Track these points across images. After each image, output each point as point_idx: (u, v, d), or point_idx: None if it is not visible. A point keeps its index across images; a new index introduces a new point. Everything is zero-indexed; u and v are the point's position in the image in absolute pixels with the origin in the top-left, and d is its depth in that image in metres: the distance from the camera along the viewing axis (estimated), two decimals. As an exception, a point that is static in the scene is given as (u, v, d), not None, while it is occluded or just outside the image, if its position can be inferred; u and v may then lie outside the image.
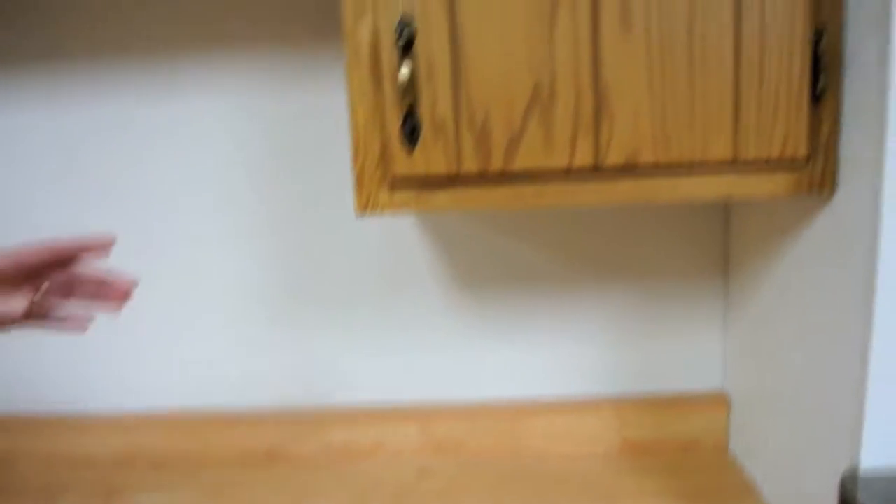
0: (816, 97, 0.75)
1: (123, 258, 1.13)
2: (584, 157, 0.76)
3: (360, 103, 0.78)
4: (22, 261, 0.70)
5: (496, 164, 0.76)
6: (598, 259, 1.14)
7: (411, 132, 0.76)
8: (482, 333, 1.18)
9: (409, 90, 0.74)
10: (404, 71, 0.74)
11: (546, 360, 1.18)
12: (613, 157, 0.76)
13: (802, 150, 0.75)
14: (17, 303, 0.70)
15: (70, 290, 0.76)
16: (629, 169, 0.76)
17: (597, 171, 0.77)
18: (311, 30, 1.10)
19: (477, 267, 1.16)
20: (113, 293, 0.76)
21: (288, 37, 1.11)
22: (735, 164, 0.76)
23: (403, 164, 0.77)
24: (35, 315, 0.73)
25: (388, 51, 0.75)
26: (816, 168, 0.77)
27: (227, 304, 1.19)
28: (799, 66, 0.74)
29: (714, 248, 1.13)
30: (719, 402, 1.15)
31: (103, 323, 1.18)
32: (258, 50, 1.12)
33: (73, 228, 1.17)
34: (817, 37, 0.74)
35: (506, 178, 0.78)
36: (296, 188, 1.15)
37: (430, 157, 0.77)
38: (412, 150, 0.77)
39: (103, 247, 0.72)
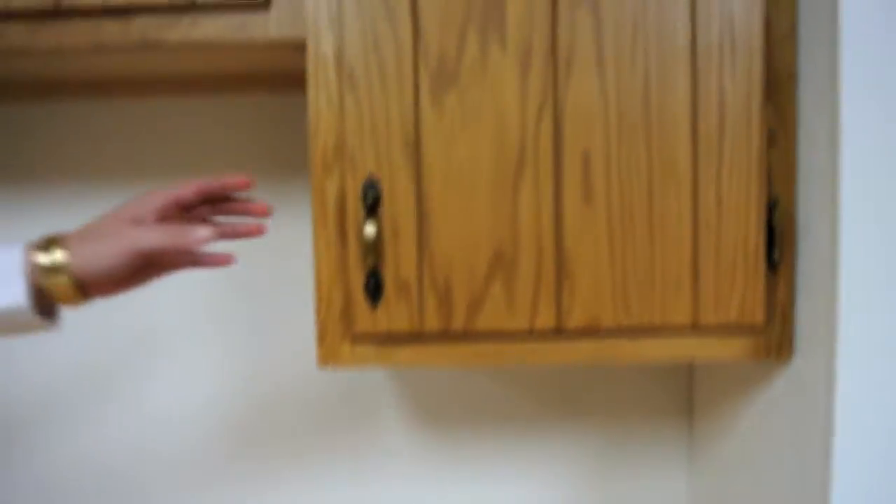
0: (772, 265, 0.77)
1: (75, 389, 1.09)
2: (545, 320, 0.76)
3: (325, 258, 0.78)
4: (200, 190, 0.73)
5: (458, 324, 0.76)
6: (563, 399, 1.13)
7: (375, 290, 0.76)
8: (447, 471, 1.16)
9: (374, 249, 0.75)
10: (369, 230, 0.74)
11: (511, 499, 1.16)
12: (575, 320, 0.76)
13: (759, 317, 0.76)
14: (203, 230, 0.69)
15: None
16: (590, 332, 0.77)
17: (558, 333, 0.77)
18: (283, 166, 1.11)
19: (442, 405, 1.14)
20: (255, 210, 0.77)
21: (259, 172, 1.11)
22: (695, 329, 0.77)
23: (366, 320, 0.77)
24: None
25: (354, 210, 0.76)
26: (773, 334, 0.78)
27: (183, 439, 1.16)
28: (754, 236, 0.76)
29: (679, 392, 1.13)
30: (683, 541, 1.13)
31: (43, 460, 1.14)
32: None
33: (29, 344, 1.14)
34: (771, 208, 0.76)
35: (468, 337, 0.78)
36: (258, 319, 1.14)
37: (393, 314, 0.76)
38: (375, 307, 0.76)
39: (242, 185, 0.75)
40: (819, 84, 0.73)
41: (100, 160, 1.12)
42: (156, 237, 0.68)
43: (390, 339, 0.79)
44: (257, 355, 1.14)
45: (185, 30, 0.79)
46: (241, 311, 1.13)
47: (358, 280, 0.76)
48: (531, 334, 0.78)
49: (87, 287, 0.69)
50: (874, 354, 0.69)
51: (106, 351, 1.14)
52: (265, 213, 0.77)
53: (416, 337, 0.78)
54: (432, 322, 0.76)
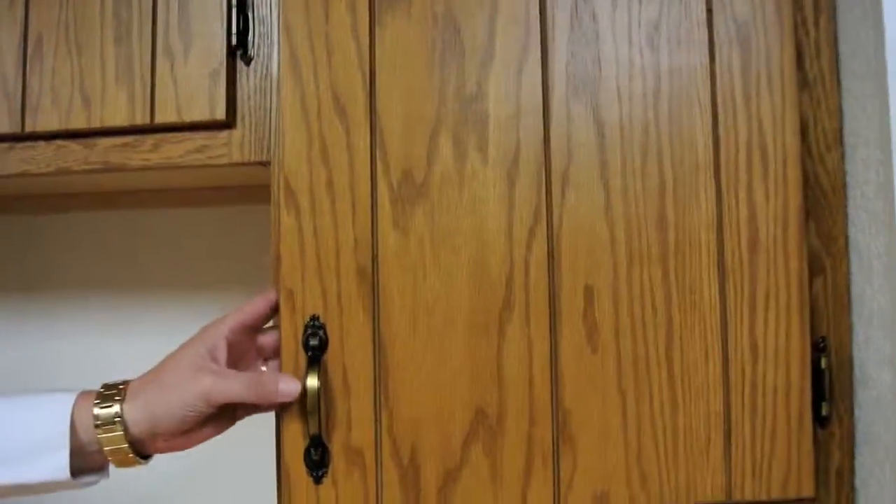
0: (822, 422, 0.61)
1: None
2: (540, 498, 0.59)
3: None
4: (260, 310, 0.63)
5: (428, 505, 0.59)
6: None
7: (318, 461, 0.59)
8: None
9: (316, 408, 0.58)
10: (311, 384, 0.58)
11: None
12: (578, 497, 0.59)
13: (808, 489, 0.60)
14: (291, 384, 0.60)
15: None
16: (597, 513, 0.61)
17: (556, 515, 0.61)
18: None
19: None
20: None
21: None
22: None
23: (306, 501, 0.59)
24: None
25: (294, 358, 0.60)
26: (826, 507, 0.62)
27: None
28: (798, 385, 0.60)
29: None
30: None
31: None
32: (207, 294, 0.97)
33: None
34: (819, 349, 0.61)
35: (441, 523, 0.61)
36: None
37: (342, 494, 0.59)
38: (318, 483, 0.59)
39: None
40: (870, 199, 0.59)
41: (55, 274, 1.00)
42: (236, 387, 0.59)
43: (342, 523, 0.61)
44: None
45: (148, 153, 0.67)
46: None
47: (296, 447, 0.59)
48: (522, 515, 0.61)
49: (150, 445, 0.60)
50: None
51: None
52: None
53: (374, 521, 0.61)
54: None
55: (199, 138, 0.64)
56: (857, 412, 0.61)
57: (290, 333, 0.60)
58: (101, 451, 0.58)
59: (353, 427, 0.59)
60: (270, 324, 0.64)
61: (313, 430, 0.58)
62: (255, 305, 0.63)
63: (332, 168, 0.60)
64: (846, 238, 0.62)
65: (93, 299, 0.99)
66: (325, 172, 0.60)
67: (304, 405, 0.58)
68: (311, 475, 0.59)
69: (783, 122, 0.60)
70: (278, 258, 0.61)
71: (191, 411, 0.58)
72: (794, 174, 0.60)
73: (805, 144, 0.61)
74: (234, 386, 0.59)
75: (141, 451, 0.59)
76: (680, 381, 0.60)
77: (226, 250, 0.96)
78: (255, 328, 0.64)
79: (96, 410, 0.58)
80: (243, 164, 0.64)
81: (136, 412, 0.58)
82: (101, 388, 0.60)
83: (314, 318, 0.60)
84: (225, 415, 0.61)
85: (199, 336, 0.62)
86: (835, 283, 0.62)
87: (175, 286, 0.97)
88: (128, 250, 0.98)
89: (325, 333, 0.60)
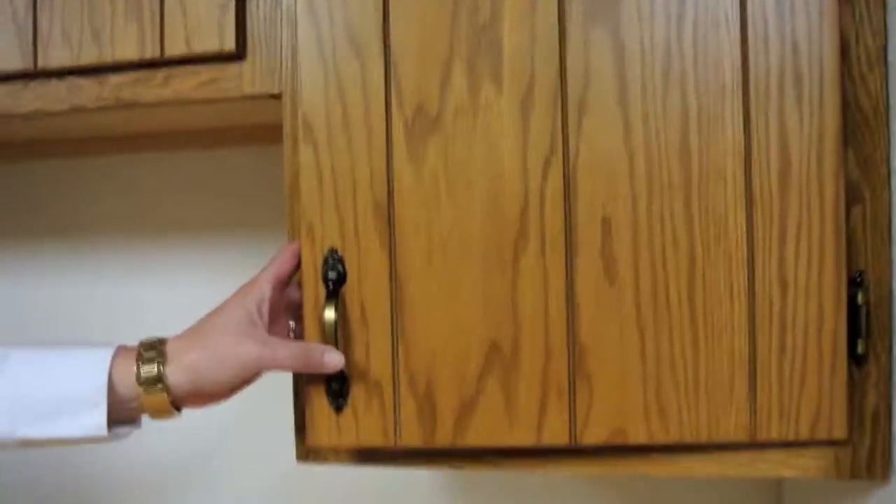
0: (858, 360, 0.58)
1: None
2: (555, 434, 0.59)
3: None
4: (292, 263, 0.63)
5: (444, 436, 0.60)
6: (635, 489, 0.94)
7: (338, 392, 0.61)
8: None
9: (335, 339, 0.59)
10: (329, 316, 0.59)
11: None
12: (594, 434, 0.59)
13: (840, 431, 0.57)
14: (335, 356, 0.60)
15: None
16: (615, 450, 0.60)
17: (573, 452, 0.60)
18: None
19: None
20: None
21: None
22: (751, 445, 0.59)
23: (328, 431, 0.61)
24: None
25: (314, 291, 0.61)
26: (861, 450, 0.59)
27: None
28: (832, 321, 0.57)
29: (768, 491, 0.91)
30: None
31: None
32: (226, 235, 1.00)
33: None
34: (856, 283, 0.58)
35: (457, 454, 0.62)
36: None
37: (362, 424, 0.61)
38: (339, 413, 0.61)
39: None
40: (918, 122, 0.55)
41: (80, 218, 1.02)
42: (285, 359, 0.60)
43: (360, 456, 0.63)
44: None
45: (159, 88, 0.68)
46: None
47: (317, 378, 0.61)
48: (539, 452, 0.61)
49: (186, 402, 0.61)
50: None
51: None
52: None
53: (391, 454, 0.62)
54: (412, 434, 0.60)
55: (209, 71, 0.65)
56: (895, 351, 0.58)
57: (310, 266, 0.61)
58: (140, 408, 0.59)
59: (371, 359, 0.60)
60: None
61: (333, 356, 0.59)
62: (286, 259, 0.63)
63: (347, 104, 0.60)
64: (888, 165, 0.58)
65: (118, 241, 1.01)
66: (340, 108, 0.60)
67: (323, 337, 0.60)
68: (332, 405, 0.61)
69: (820, 41, 0.56)
70: (294, 192, 0.62)
71: (238, 378, 0.59)
72: (831, 97, 0.56)
73: (845, 64, 0.57)
74: (282, 356, 0.59)
75: (179, 406, 0.61)
76: (702, 317, 0.58)
77: (246, 191, 0.97)
78: (286, 283, 0.64)
79: (137, 369, 0.58)
80: (255, 96, 0.64)
81: (180, 375, 0.58)
82: (140, 346, 0.60)
83: (333, 251, 0.61)
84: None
85: (241, 295, 0.61)
86: (875, 213, 0.58)
87: (198, 228, 0.99)
88: (151, 193, 1.00)
89: (343, 267, 0.60)
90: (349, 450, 0.63)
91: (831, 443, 0.58)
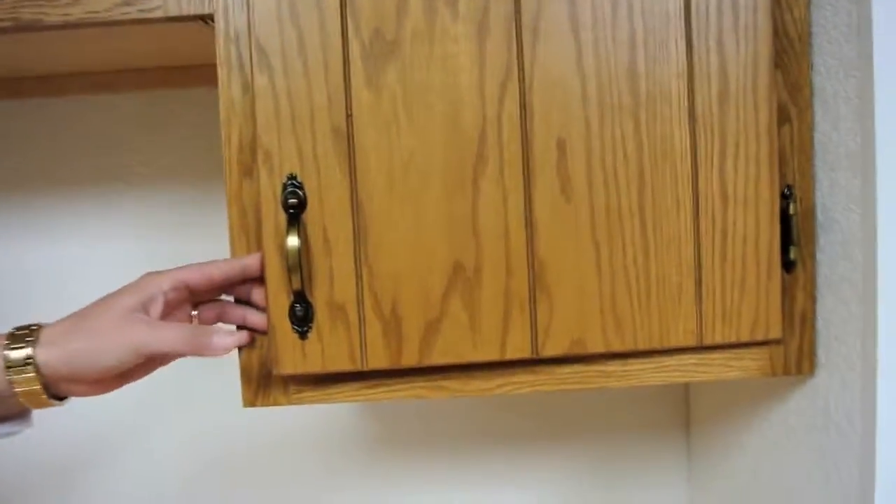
0: (788, 266, 0.64)
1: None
2: (518, 348, 0.61)
3: (241, 279, 0.63)
4: (212, 275, 0.61)
5: (411, 356, 0.61)
6: (554, 414, 1.00)
7: (302, 317, 0.61)
8: (439, 494, 1.01)
9: (298, 265, 0.59)
10: (291, 242, 0.59)
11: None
12: (554, 346, 0.62)
13: (776, 331, 0.63)
14: (227, 338, 0.61)
15: (219, 316, 0.65)
16: (574, 360, 0.63)
17: (535, 363, 0.63)
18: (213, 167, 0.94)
19: (426, 423, 1.00)
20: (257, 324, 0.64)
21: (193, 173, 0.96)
22: (698, 350, 0.63)
23: (293, 357, 0.61)
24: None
25: (273, 218, 0.60)
26: (791, 348, 0.64)
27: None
28: (767, 232, 0.62)
29: (676, 404, 1.00)
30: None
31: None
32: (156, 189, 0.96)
33: None
34: (786, 197, 0.63)
35: (424, 372, 0.63)
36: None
37: (328, 348, 0.61)
38: (304, 338, 0.61)
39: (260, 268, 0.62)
40: (840, 44, 0.59)
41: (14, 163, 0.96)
42: (170, 340, 0.58)
43: (327, 380, 0.63)
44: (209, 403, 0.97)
45: (66, 7, 0.62)
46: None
47: (281, 305, 0.61)
48: (502, 366, 0.63)
49: (66, 388, 0.58)
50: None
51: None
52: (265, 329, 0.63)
53: (359, 376, 0.63)
54: (378, 356, 0.61)
55: None
56: (819, 257, 0.64)
57: (269, 193, 0.60)
58: (14, 394, 0.56)
59: (335, 283, 0.61)
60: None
61: (296, 285, 0.59)
62: (210, 269, 0.61)
63: (303, 27, 0.60)
64: (811, 87, 0.63)
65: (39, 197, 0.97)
66: (295, 32, 0.60)
67: (286, 264, 0.59)
68: (297, 331, 0.61)
69: (753, -30, 0.60)
70: (232, 124, 0.61)
71: (118, 362, 0.57)
72: (764, 23, 0.61)
73: (774, -8, 0.62)
74: (168, 337, 0.57)
75: (56, 393, 0.58)
76: (652, 229, 0.61)
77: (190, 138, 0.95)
78: (207, 292, 0.62)
79: (6, 352, 0.55)
80: (181, 17, 0.61)
81: (52, 356, 0.55)
82: (12, 329, 0.57)
83: (292, 177, 0.60)
84: (154, 359, 0.60)
85: (135, 285, 0.59)
86: (800, 132, 0.63)
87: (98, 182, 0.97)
88: (79, 140, 0.96)
89: (303, 193, 0.60)
90: (316, 375, 0.63)
91: (767, 343, 0.64)
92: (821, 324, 0.64)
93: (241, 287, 0.63)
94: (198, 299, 0.63)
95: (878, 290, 0.55)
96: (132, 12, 0.62)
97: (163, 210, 0.97)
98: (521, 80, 0.60)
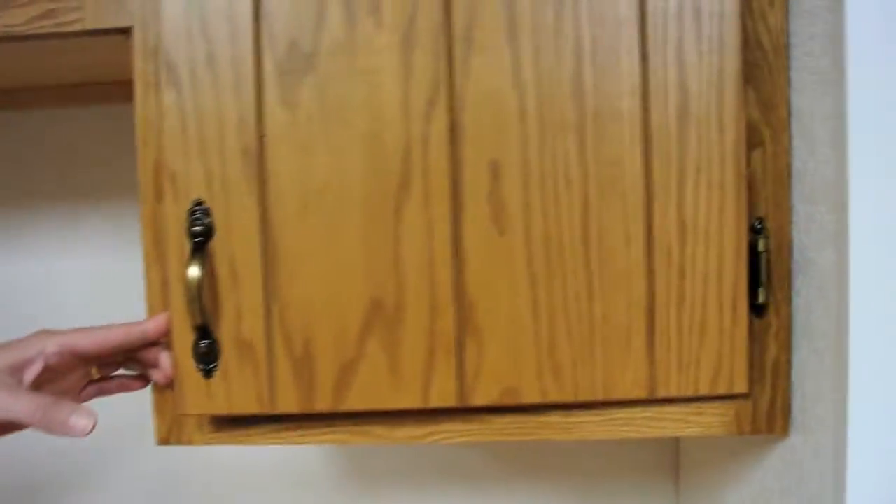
0: (758, 310, 0.56)
1: None
2: (443, 395, 0.55)
3: (156, 310, 0.58)
4: (105, 341, 0.57)
5: (324, 400, 0.55)
6: (532, 455, 0.92)
7: (206, 355, 0.55)
8: None
9: (200, 298, 0.54)
10: (192, 273, 0.54)
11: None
12: (484, 394, 0.55)
13: (741, 385, 0.55)
14: (83, 419, 0.54)
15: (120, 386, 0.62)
16: (506, 410, 0.56)
17: (462, 412, 0.56)
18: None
19: (396, 460, 0.94)
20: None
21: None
22: (651, 403, 0.56)
23: (199, 395, 0.56)
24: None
25: (178, 246, 0.55)
26: (761, 404, 0.56)
27: None
28: (732, 270, 0.54)
29: (665, 453, 0.92)
30: None
31: None
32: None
33: None
34: (756, 231, 0.55)
35: (338, 418, 0.57)
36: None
37: (234, 389, 0.55)
38: (209, 376, 0.56)
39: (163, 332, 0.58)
40: (818, 57, 0.51)
41: None
42: (22, 411, 0.53)
43: (243, 421, 0.58)
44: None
45: None
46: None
47: (184, 340, 0.56)
48: (431, 413, 0.57)
49: None
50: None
51: None
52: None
53: (276, 418, 0.58)
54: (288, 398, 0.55)
55: (46, 1, 0.58)
56: (795, 301, 0.55)
57: (174, 220, 0.55)
58: None
59: (242, 318, 0.55)
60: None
61: (197, 320, 0.54)
62: (102, 335, 0.57)
63: (212, 39, 0.55)
64: (788, 106, 0.55)
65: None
66: (204, 44, 0.55)
67: (188, 296, 0.54)
68: (201, 369, 0.56)
69: (718, -28, 0.53)
70: (145, 142, 0.57)
71: None
72: (732, 33, 0.53)
73: (745, -2, 0.54)
74: (20, 408, 0.53)
75: None
76: (598, 265, 0.54)
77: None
78: (106, 356, 0.58)
79: None
80: (100, 31, 0.57)
81: None
82: None
83: (199, 202, 0.55)
84: (11, 424, 0.55)
85: (17, 343, 0.56)
86: (775, 157, 0.55)
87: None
88: (43, 154, 0.93)
89: (210, 219, 0.55)
90: (222, 417, 0.58)
91: (732, 397, 0.56)
92: (796, 378, 0.56)
93: (145, 351, 0.59)
94: (99, 363, 0.59)
95: (850, 342, 0.47)
96: (49, 26, 0.59)
97: (129, 226, 0.93)
98: (451, 95, 0.54)
